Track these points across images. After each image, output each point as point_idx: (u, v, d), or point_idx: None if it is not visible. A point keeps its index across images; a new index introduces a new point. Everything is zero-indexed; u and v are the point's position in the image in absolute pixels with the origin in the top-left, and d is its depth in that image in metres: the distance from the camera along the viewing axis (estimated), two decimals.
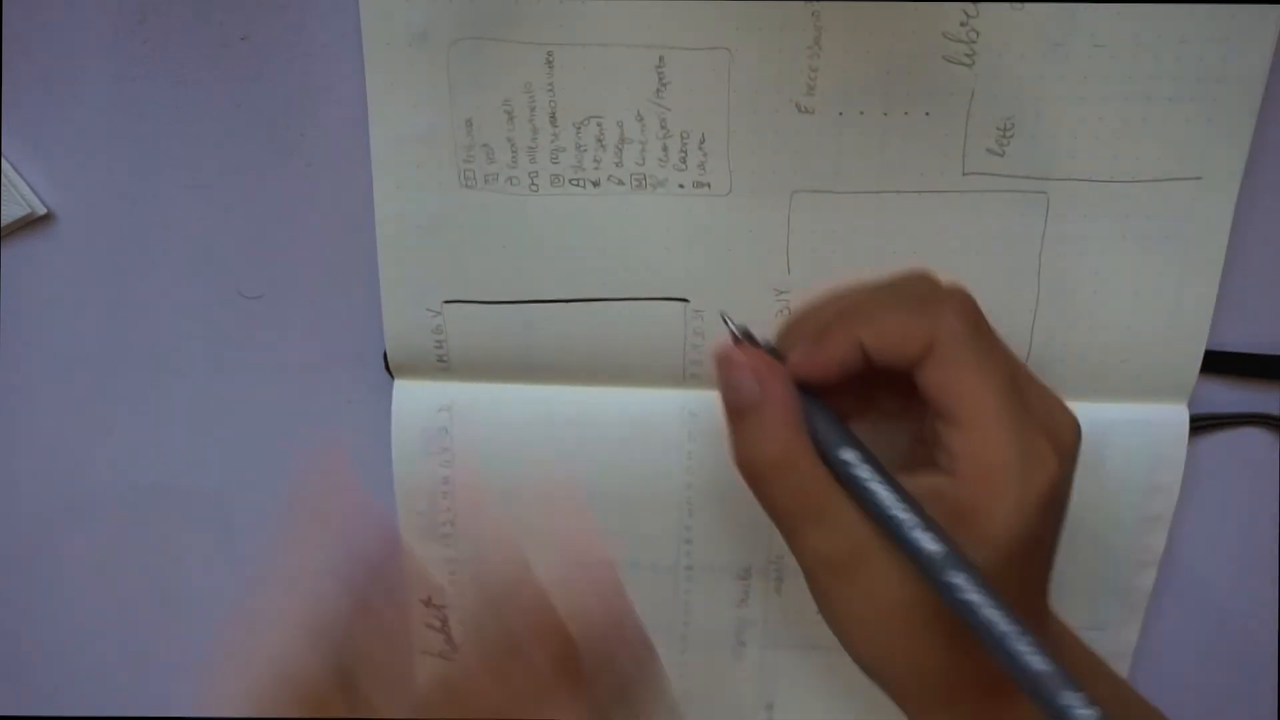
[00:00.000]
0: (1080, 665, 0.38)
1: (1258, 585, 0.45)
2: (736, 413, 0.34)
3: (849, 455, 0.32)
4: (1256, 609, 0.45)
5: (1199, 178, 0.37)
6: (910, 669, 0.34)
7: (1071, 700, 0.28)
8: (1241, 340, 0.41)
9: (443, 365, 0.41)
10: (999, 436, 0.31)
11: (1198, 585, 0.45)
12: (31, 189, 0.40)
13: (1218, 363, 0.41)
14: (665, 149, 0.38)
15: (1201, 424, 0.42)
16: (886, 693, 0.35)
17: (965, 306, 0.33)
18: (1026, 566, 0.32)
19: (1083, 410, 0.40)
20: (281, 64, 0.38)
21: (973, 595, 0.30)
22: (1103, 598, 0.44)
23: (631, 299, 0.40)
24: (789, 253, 0.39)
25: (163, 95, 0.38)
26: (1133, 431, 0.41)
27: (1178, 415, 0.41)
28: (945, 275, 0.35)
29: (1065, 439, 0.33)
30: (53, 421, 0.43)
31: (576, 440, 0.42)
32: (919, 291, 0.34)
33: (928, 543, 0.30)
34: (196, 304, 0.39)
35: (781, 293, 0.40)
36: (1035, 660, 0.29)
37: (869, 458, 0.32)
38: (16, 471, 0.44)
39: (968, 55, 0.36)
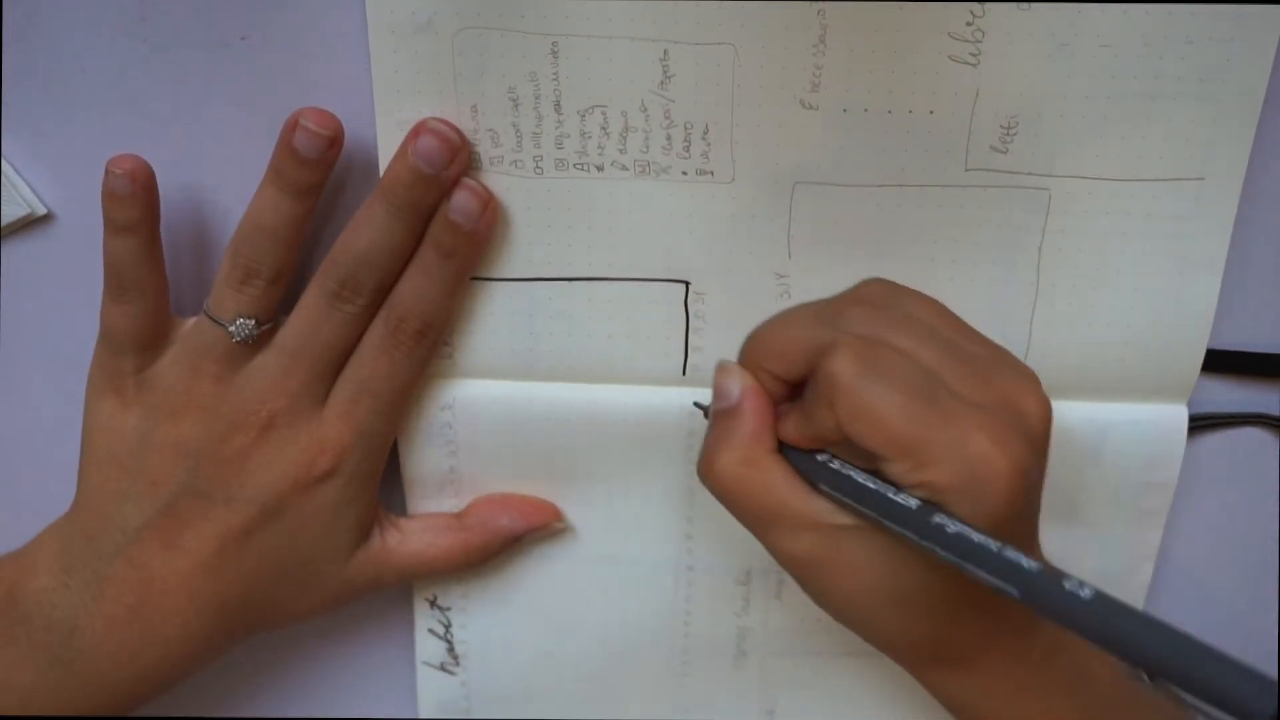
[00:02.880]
0: None
1: (1258, 585, 0.45)
2: (716, 418, 0.36)
3: (823, 456, 0.34)
4: (1256, 609, 0.45)
5: (1201, 178, 0.37)
6: (893, 639, 0.36)
7: (1073, 585, 0.30)
8: (1242, 338, 0.41)
9: (446, 354, 0.41)
10: (929, 461, 0.32)
11: (1198, 585, 0.45)
12: (31, 189, 0.40)
13: (1218, 361, 0.41)
14: (669, 138, 0.38)
15: (1201, 423, 0.42)
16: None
17: (859, 325, 0.34)
18: (1011, 530, 0.33)
19: (1081, 409, 0.41)
20: (281, 64, 0.38)
21: (958, 526, 0.31)
22: None
23: (633, 279, 0.40)
24: (790, 239, 0.39)
25: (163, 95, 0.38)
26: (1131, 430, 0.41)
27: (1177, 414, 0.41)
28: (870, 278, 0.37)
29: (1027, 417, 0.33)
30: (53, 421, 0.43)
31: (578, 437, 0.42)
32: (818, 313, 0.35)
33: (906, 500, 0.32)
34: (197, 306, 0.39)
35: (782, 277, 0.40)
36: (1028, 563, 0.30)
37: (843, 459, 0.34)
38: (17, 471, 0.44)
39: (973, 55, 0.36)
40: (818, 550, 0.35)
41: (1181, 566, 0.45)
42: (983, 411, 0.32)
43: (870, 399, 0.32)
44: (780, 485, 0.35)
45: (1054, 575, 0.30)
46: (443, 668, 0.46)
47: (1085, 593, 0.29)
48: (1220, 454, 0.43)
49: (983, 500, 0.31)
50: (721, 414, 0.36)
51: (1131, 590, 0.44)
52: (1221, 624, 0.46)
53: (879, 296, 0.36)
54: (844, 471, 0.34)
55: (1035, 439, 0.33)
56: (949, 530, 0.31)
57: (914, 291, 0.36)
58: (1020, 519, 0.33)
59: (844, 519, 0.34)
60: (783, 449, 0.36)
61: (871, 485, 0.33)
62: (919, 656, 0.37)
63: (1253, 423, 0.42)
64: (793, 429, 0.35)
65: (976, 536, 0.31)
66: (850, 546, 0.34)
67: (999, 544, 0.31)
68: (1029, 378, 0.34)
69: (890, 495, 0.32)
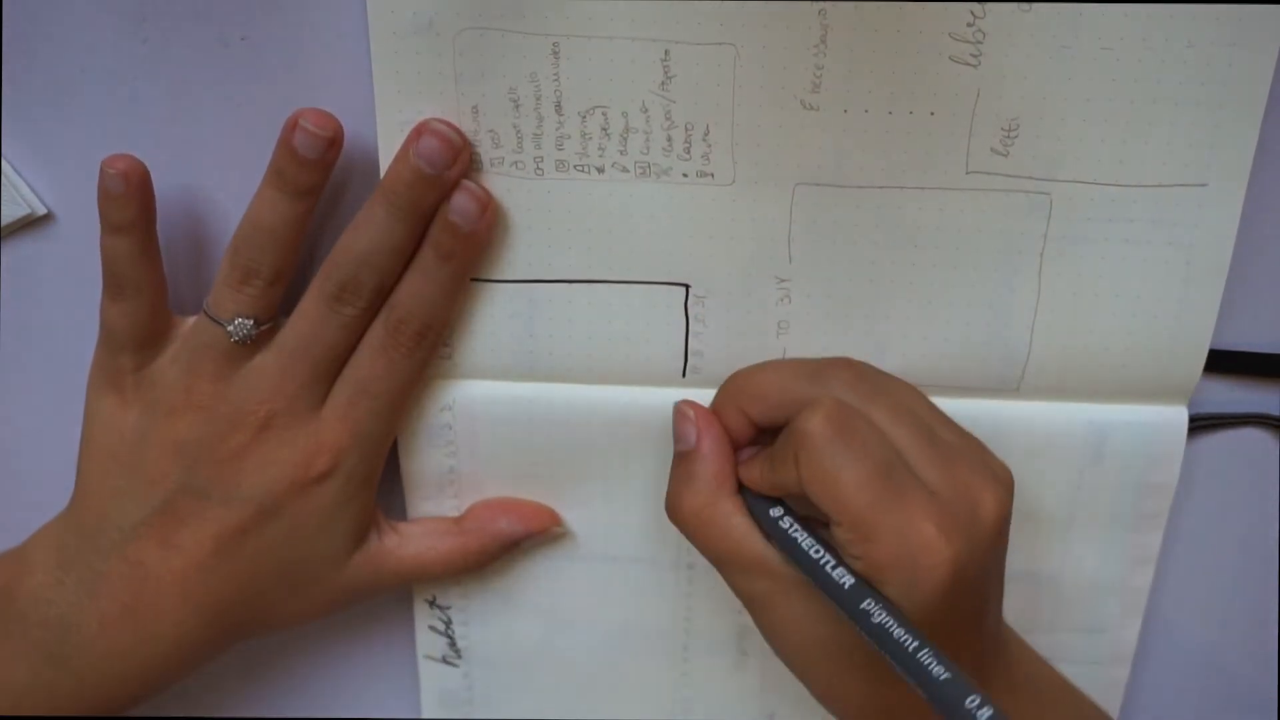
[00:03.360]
0: (1041, 689, 0.40)
1: (1258, 585, 0.45)
2: (676, 459, 0.39)
3: (776, 511, 0.36)
4: (1257, 609, 0.45)
5: (1204, 185, 0.37)
6: (832, 692, 0.38)
7: (973, 702, 0.30)
8: (1242, 339, 0.41)
9: (445, 354, 0.41)
10: (873, 537, 0.33)
11: (1198, 585, 0.45)
12: (31, 189, 0.40)
13: (1219, 361, 0.41)
14: (669, 139, 0.38)
15: (1201, 424, 0.42)
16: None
17: (842, 390, 0.36)
18: (945, 619, 0.34)
19: (1080, 411, 0.41)
20: (281, 64, 0.38)
21: (882, 618, 0.33)
22: (1101, 599, 0.44)
23: (633, 282, 0.40)
24: (791, 242, 0.39)
25: (163, 95, 0.38)
26: (1131, 432, 0.41)
27: (1177, 416, 0.41)
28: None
29: (980, 512, 0.34)
30: (53, 421, 0.43)
31: (578, 438, 0.42)
32: (805, 369, 0.38)
33: (841, 576, 0.34)
34: (197, 304, 0.39)
35: (783, 281, 0.40)
36: (938, 669, 0.31)
37: (794, 514, 0.36)
38: (17, 471, 0.44)
39: (974, 56, 0.36)
40: (768, 595, 0.36)
41: (1182, 567, 0.45)
42: (936, 500, 0.34)
43: (833, 465, 0.34)
44: (737, 529, 0.37)
45: (958, 689, 0.31)
46: (444, 660, 0.46)
47: (983, 714, 0.30)
48: (1220, 454, 0.43)
49: (917, 585, 0.33)
50: (682, 456, 0.38)
51: (1132, 594, 0.44)
52: (1222, 624, 0.46)
53: (865, 370, 0.37)
54: (791, 533, 0.35)
55: (983, 537, 0.34)
56: (873, 619, 0.33)
57: (895, 376, 0.39)
58: (957, 611, 0.34)
59: (793, 570, 0.36)
60: (743, 491, 0.37)
61: (814, 554, 0.34)
62: (860, 715, 0.38)
63: (1253, 423, 0.42)
64: (757, 474, 0.37)
65: (897, 631, 0.32)
66: (796, 597, 0.36)
67: (916, 642, 0.32)
68: (994, 476, 0.36)
69: (828, 569, 0.34)
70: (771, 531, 0.36)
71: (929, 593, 0.33)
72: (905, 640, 0.32)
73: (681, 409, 0.39)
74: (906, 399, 0.37)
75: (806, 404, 0.35)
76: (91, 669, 0.39)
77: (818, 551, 0.34)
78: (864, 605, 0.33)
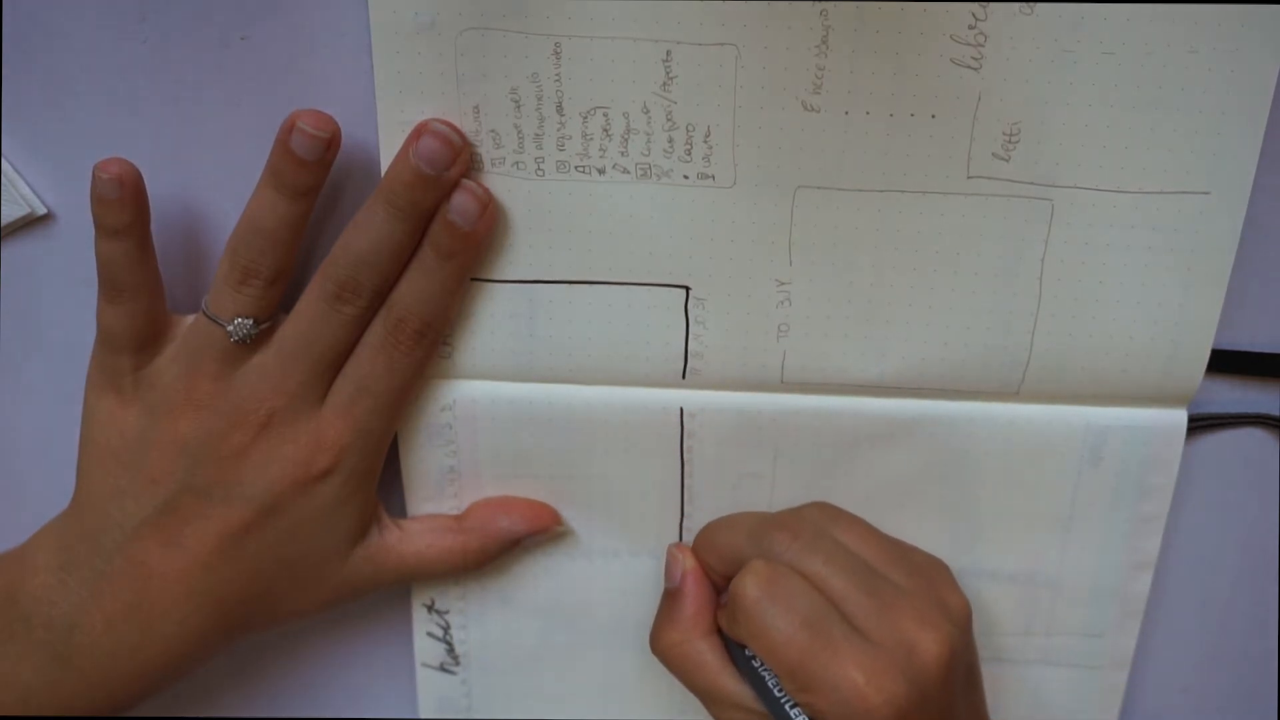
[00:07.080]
0: None
1: (1258, 585, 0.45)
2: (664, 595, 0.42)
3: (750, 650, 0.38)
4: (1256, 609, 0.45)
5: (1207, 192, 0.37)
6: None
7: None
8: (1243, 339, 0.41)
9: (445, 354, 0.41)
10: (809, 688, 0.36)
11: (1197, 586, 0.45)
12: (31, 189, 0.40)
13: (1219, 361, 0.41)
14: (670, 141, 0.38)
15: (1201, 424, 0.42)
16: None
17: (778, 548, 0.39)
18: None
19: (1079, 414, 0.41)
20: (281, 64, 0.38)
21: None
22: (1100, 603, 0.44)
23: (634, 283, 0.40)
24: (791, 245, 0.39)
25: (163, 95, 0.38)
26: (1129, 435, 0.41)
27: (1176, 418, 0.41)
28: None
29: (919, 653, 0.36)
30: (52, 421, 0.43)
31: (578, 439, 0.42)
32: (751, 528, 0.40)
33: (799, 716, 0.37)
34: (194, 305, 0.39)
35: (783, 284, 0.40)
36: None
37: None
38: (17, 471, 0.44)
39: (975, 58, 0.36)
40: None
41: (1181, 567, 0.45)
42: (869, 648, 0.36)
43: (763, 624, 0.37)
44: (711, 667, 0.40)
45: None
46: (442, 668, 0.46)
47: None
48: (1220, 454, 0.43)
49: None
50: (668, 593, 0.42)
51: (1130, 598, 0.44)
52: (1221, 624, 0.46)
53: (810, 521, 0.40)
54: (760, 672, 0.38)
55: (926, 677, 0.36)
56: None
57: (850, 518, 0.41)
58: None
59: (763, 706, 0.38)
60: (721, 631, 0.40)
61: (777, 693, 0.37)
62: None
63: (1253, 423, 0.42)
64: (725, 622, 0.40)
65: None
66: None
67: None
68: (944, 613, 0.38)
69: (788, 708, 0.37)
70: (744, 670, 0.39)
71: None
72: None
73: (672, 551, 0.42)
74: (853, 545, 0.40)
75: (744, 565, 0.38)
76: (96, 668, 0.39)
77: (780, 691, 0.37)
78: None
